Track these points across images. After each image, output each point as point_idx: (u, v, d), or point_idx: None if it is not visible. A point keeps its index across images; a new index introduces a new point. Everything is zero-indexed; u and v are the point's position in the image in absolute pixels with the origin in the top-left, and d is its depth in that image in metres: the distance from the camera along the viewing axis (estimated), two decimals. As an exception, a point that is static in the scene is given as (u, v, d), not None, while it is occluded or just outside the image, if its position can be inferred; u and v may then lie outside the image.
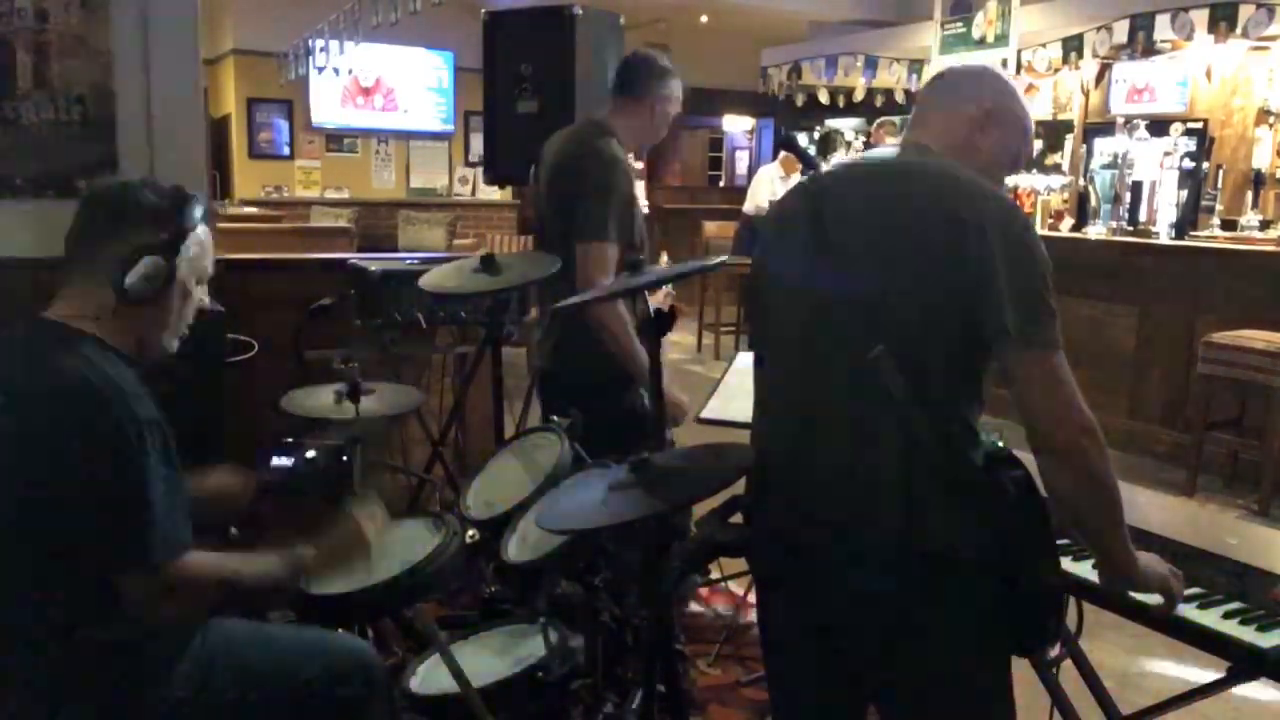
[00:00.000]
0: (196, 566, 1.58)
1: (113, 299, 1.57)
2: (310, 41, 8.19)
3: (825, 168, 1.71)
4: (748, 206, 8.72)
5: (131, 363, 1.60)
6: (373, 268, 3.47)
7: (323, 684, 1.73)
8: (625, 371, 2.62)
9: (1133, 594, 1.58)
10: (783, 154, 9.25)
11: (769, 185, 8.55)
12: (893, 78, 8.09)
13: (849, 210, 1.53)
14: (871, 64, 8.19)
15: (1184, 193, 5.83)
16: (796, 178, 8.08)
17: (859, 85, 8.46)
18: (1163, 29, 5.96)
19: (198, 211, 1.66)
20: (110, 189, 1.68)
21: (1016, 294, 1.40)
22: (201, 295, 1.72)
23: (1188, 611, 1.61)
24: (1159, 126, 6.26)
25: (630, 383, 2.67)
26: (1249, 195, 6.01)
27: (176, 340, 1.71)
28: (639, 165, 13.45)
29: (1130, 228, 5.86)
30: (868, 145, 9.61)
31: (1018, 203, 5.21)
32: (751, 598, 3.09)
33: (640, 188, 14.68)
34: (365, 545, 1.82)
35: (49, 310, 1.62)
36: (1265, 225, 5.65)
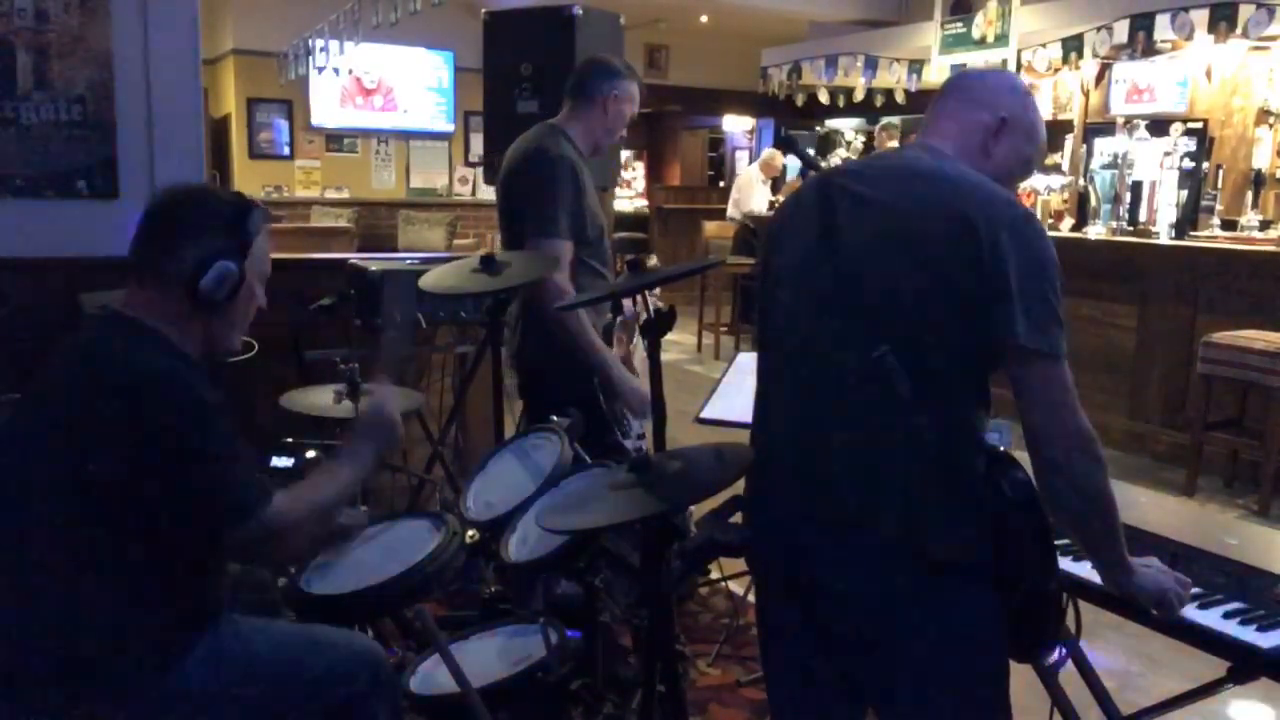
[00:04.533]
0: (287, 507, 1.68)
1: (186, 302, 1.65)
2: (310, 41, 8.17)
3: (834, 165, 1.71)
4: (731, 212, 8.76)
5: (192, 362, 1.68)
6: (373, 268, 3.47)
7: (329, 681, 1.74)
8: (583, 364, 2.69)
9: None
10: (761, 158, 9.26)
11: (749, 189, 8.61)
12: (893, 78, 8.08)
13: (859, 209, 1.52)
14: (871, 64, 8.18)
15: (1184, 193, 5.83)
16: (777, 181, 8.03)
17: (859, 85, 8.45)
18: (1163, 29, 5.95)
19: (260, 216, 1.75)
20: (180, 196, 1.75)
21: (1029, 302, 1.39)
22: (261, 295, 1.78)
23: (1188, 611, 1.61)
24: (1159, 126, 6.25)
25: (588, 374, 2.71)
26: (1249, 195, 5.99)
27: (240, 338, 1.79)
28: (639, 165, 13.27)
29: (1130, 228, 5.86)
30: (868, 146, 9.62)
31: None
32: (751, 598, 3.09)
33: (639, 188, 14.59)
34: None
35: (116, 303, 1.69)
36: (1265, 225, 5.64)
